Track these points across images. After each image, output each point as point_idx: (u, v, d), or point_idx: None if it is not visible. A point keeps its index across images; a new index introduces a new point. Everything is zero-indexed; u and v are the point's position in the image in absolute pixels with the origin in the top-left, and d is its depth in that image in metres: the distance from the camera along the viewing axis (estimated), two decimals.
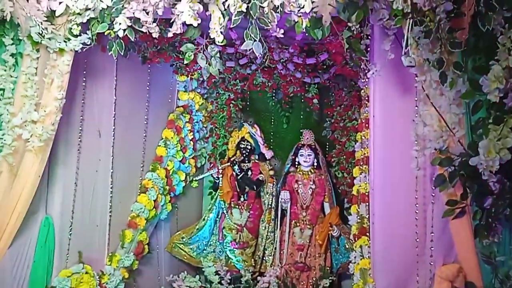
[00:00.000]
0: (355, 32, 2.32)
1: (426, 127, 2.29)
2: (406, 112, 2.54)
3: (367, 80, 2.94)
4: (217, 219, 4.19)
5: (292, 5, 2.27)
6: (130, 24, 2.42)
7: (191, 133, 4.13)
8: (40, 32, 2.55)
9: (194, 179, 4.20)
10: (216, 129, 4.29)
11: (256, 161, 4.17)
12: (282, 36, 2.37)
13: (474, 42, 2.14)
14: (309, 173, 4.04)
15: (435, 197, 2.50)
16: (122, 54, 2.59)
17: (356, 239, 3.26)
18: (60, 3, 2.53)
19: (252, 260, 4.10)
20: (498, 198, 2.16)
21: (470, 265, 2.42)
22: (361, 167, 3.32)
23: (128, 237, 3.50)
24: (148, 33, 2.47)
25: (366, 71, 2.69)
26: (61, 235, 3.03)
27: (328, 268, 3.92)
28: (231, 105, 4.17)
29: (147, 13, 2.37)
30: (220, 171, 4.11)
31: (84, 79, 3.08)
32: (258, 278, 3.86)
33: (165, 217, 3.94)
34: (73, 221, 3.11)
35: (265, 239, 4.13)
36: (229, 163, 4.14)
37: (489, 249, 2.30)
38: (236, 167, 4.13)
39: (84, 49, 2.66)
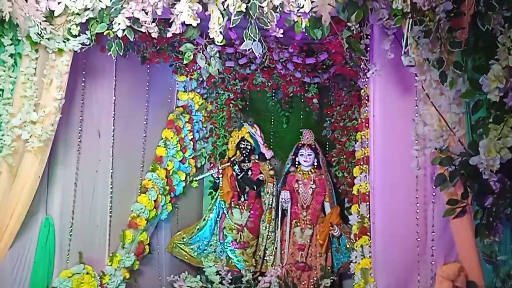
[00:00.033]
0: (354, 32, 2.32)
1: (426, 127, 2.29)
2: (406, 112, 2.54)
3: (367, 79, 2.94)
4: (217, 219, 4.19)
5: (291, 5, 2.26)
6: (129, 24, 2.41)
7: (191, 133, 4.13)
8: (39, 33, 2.55)
9: (194, 179, 4.19)
10: (216, 129, 4.29)
11: (256, 161, 4.17)
12: (281, 36, 2.36)
13: (474, 41, 2.14)
14: (310, 172, 4.04)
15: (436, 196, 2.50)
16: (121, 54, 2.59)
17: (357, 238, 3.26)
18: (59, 3, 2.53)
19: (253, 260, 4.09)
20: (498, 197, 2.16)
21: (471, 264, 2.42)
22: (361, 167, 3.32)
23: (129, 237, 3.50)
24: (147, 33, 2.47)
25: (366, 71, 2.68)
26: (62, 236, 3.03)
27: (329, 267, 3.92)
28: (230, 105, 4.17)
29: (146, 13, 2.36)
30: (220, 171, 4.11)
31: (83, 79, 3.08)
32: (259, 278, 3.86)
33: (166, 217, 3.94)
34: (74, 221, 3.11)
35: (265, 239, 4.13)
36: (229, 163, 4.14)
37: (490, 248, 2.30)
38: (236, 167, 4.13)
39: (83, 49, 2.65)
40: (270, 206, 4.14)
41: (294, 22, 2.31)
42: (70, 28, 2.58)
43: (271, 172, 4.16)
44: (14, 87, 2.67)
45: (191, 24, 2.30)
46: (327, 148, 4.16)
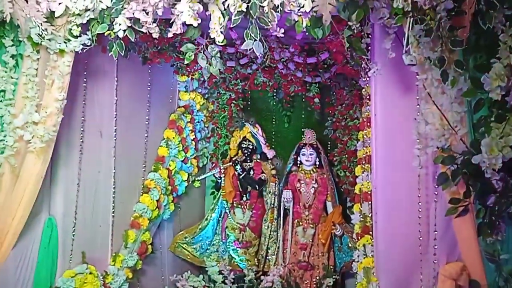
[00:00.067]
0: (355, 31, 2.31)
1: (428, 126, 2.28)
2: (407, 111, 2.53)
3: (368, 79, 2.93)
4: (220, 218, 4.19)
5: (292, 4, 2.26)
6: (130, 24, 2.42)
7: (193, 133, 4.13)
8: (40, 33, 2.56)
9: (196, 179, 4.19)
10: (217, 129, 4.29)
11: (258, 160, 4.17)
12: (282, 35, 2.36)
13: (475, 40, 2.13)
14: (311, 172, 4.04)
15: (438, 195, 2.50)
16: (122, 54, 2.59)
17: (359, 238, 3.25)
18: (59, 4, 2.53)
19: (255, 259, 4.10)
20: (501, 196, 2.15)
21: (474, 263, 2.41)
22: (363, 166, 3.31)
23: (131, 237, 3.51)
24: (148, 34, 2.47)
25: (367, 70, 2.68)
26: (65, 236, 3.04)
27: (331, 267, 3.92)
28: (232, 104, 4.17)
29: (147, 14, 2.36)
30: (222, 171, 4.11)
31: (84, 80, 3.09)
32: (262, 277, 3.87)
33: (168, 217, 3.94)
34: (76, 221, 3.11)
35: (268, 238, 4.13)
36: (231, 163, 4.14)
37: (493, 247, 2.29)
38: (238, 166, 4.13)
39: (85, 50, 2.66)
40: (272, 205, 4.14)
41: (295, 21, 2.31)
42: (71, 29, 2.58)
43: (273, 172, 4.16)
44: (16, 88, 2.68)
45: (191, 24, 2.30)
46: (328, 148, 4.16)
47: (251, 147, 4.14)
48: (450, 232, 2.46)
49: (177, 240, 4.10)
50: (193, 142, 4.14)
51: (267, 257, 4.14)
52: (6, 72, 2.67)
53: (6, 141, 2.64)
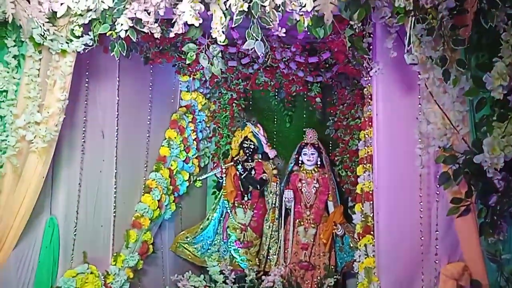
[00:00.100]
0: (357, 31, 2.31)
1: (429, 125, 2.28)
2: (409, 110, 2.53)
3: (369, 78, 2.93)
4: (221, 218, 4.19)
5: (293, 4, 2.26)
6: (131, 24, 2.42)
7: (194, 133, 4.13)
8: (42, 34, 2.56)
9: (197, 178, 4.20)
10: (219, 128, 4.29)
11: (260, 160, 4.17)
12: (284, 35, 2.36)
13: (477, 39, 2.13)
14: (313, 172, 4.04)
15: (440, 195, 2.49)
16: (124, 54, 2.60)
17: (361, 237, 3.25)
18: (61, 4, 2.53)
19: (257, 259, 4.10)
20: (503, 195, 2.15)
21: (476, 263, 2.40)
22: (364, 166, 3.31)
23: (133, 237, 3.51)
24: (150, 34, 2.47)
25: (369, 70, 2.67)
26: (66, 236, 3.04)
27: (332, 267, 3.92)
28: (233, 104, 4.18)
29: (149, 14, 2.36)
30: (224, 170, 4.11)
31: (86, 80, 3.09)
32: (263, 277, 3.87)
33: (169, 217, 3.94)
34: (78, 221, 3.11)
35: (269, 238, 4.13)
36: (232, 163, 4.14)
37: (495, 247, 2.28)
38: (239, 166, 4.13)
39: (86, 50, 2.66)
40: (273, 205, 4.14)
41: (297, 21, 2.30)
42: (73, 29, 2.58)
43: (275, 172, 4.16)
44: (18, 88, 2.68)
45: (193, 24, 2.30)
46: (330, 147, 4.16)
47: (252, 146, 4.14)
48: (452, 232, 2.45)
49: (178, 240, 4.10)
50: (194, 142, 4.14)
51: (268, 257, 4.14)
52: (8, 72, 2.67)
53: (8, 141, 2.65)
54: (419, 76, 2.30)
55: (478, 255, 2.37)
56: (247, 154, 4.15)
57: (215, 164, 4.27)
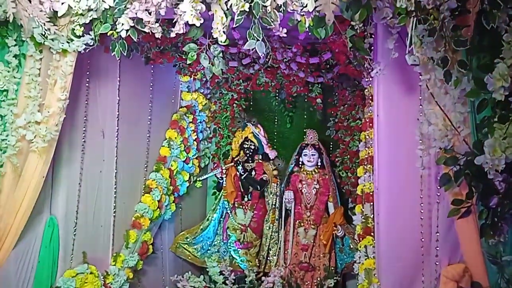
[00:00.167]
0: (358, 31, 2.30)
1: (430, 126, 2.28)
2: (410, 111, 2.52)
3: (370, 79, 2.93)
4: (221, 219, 4.19)
5: (295, 4, 2.26)
6: (132, 24, 2.42)
7: (195, 133, 4.13)
8: (43, 33, 2.55)
9: (198, 179, 4.20)
10: (219, 129, 4.29)
11: (260, 161, 4.17)
12: (285, 35, 2.36)
13: (479, 40, 2.12)
14: (313, 172, 4.04)
15: (440, 196, 2.49)
16: (125, 54, 2.60)
17: (361, 239, 3.25)
18: (62, 4, 2.53)
19: (257, 260, 4.09)
20: (504, 197, 2.14)
21: (476, 265, 2.40)
22: (365, 167, 3.31)
23: (132, 237, 3.51)
24: (150, 34, 2.47)
25: (370, 70, 2.67)
26: (66, 236, 3.04)
27: (332, 268, 3.92)
28: (234, 105, 4.18)
29: (150, 14, 2.36)
30: (224, 171, 4.11)
31: (87, 79, 3.09)
32: (263, 278, 3.87)
33: (169, 217, 3.94)
34: (78, 221, 3.11)
35: (269, 239, 4.13)
36: (232, 163, 4.14)
37: (495, 249, 2.28)
38: (239, 167, 4.13)
39: (87, 50, 2.65)
40: (273, 206, 4.14)
41: (298, 21, 2.30)
42: (74, 29, 2.58)
43: (275, 172, 4.16)
44: (19, 88, 2.68)
45: (194, 24, 2.30)
46: (330, 148, 4.15)
47: (253, 147, 4.14)
48: (452, 234, 2.45)
49: (178, 240, 4.10)
50: (195, 142, 4.14)
51: (268, 258, 4.14)
52: (9, 71, 2.67)
53: (9, 141, 2.64)
54: (420, 77, 2.30)
55: (478, 257, 2.37)
56: (248, 155, 4.15)
57: (215, 165, 4.27)
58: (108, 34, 2.53)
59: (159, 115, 3.85)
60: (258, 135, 4.17)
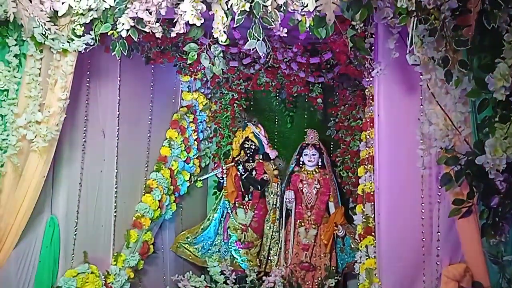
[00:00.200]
0: (359, 31, 2.30)
1: (431, 126, 2.27)
2: (411, 111, 2.52)
3: (371, 79, 2.92)
4: (222, 219, 4.19)
5: (295, 4, 2.26)
6: (133, 24, 2.42)
7: (195, 133, 4.13)
8: (43, 33, 2.55)
9: (198, 179, 4.20)
10: (220, 129, 4.29)
11: (261, 160, 4.17)
12: (285, 35, 2.36)
13: (480, 40, 2.12)
14: (314, 172, 4.03)
15: (441, 196, 2.49)
16: (125, 54, 2.60)
17: (362, 238, 3.25)
18: (63, 3, 2.53)
19: (257, 260, 4.09)
20: (505, 197, 2.14)
21: (477, 264, 2.40)
22: (366, 167, 3.31)
23: (133, 237, 3.51)
24: (151, 33, 2.47)
25: (371, 70, 2.67)
26: (66, 235, 3.04)
27: (333, 268, 3.91)
28: (235, 105, 4.18)
29: (150, 13, 2.36)
30: (225, 171, 4.11)
31: (87, 79, 3.09)
32: (263, 278, 3.87)
33: (170, 217, 3.94)
34: (78, 221, 3.11)
35: (270, 239, 4.13)
36: (233, 163, 4.14)
37: (496, 249, 2.28)
38: (240, 167, 4.13)
39: (88, 50, 2.65)
40: (274, 206, 4.14)
41: (298, 21, 2.30)
42: (74, 29, 2.58)
43: (275, 172, 4.16)
44: (19, 88, 2.68)
45: (195, 24, 2.30)
46: (331, 148, 4.15)
47: (253, 147, 4.14)
48: (453, 233, 2.45)
49: (179, 240, 4.10)
50: (195, 142, 4.14)
51: (269, 258, 4.14)
52: (9, 71, 2.66)
53: (9, 140, 2.64)
54: (421, 76, 2.30)
55: (479, 257, 2.37)
56: (248, 155, 4.15)
57: (216, 165, 4.27)
58: (109, 34, 2.53)
59: (159, 115, 3.85)
60: (258, 135, 4.17)
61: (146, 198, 3.65)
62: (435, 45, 2.15)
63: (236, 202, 4.10)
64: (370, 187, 3.17)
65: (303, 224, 3.98)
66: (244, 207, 4.11)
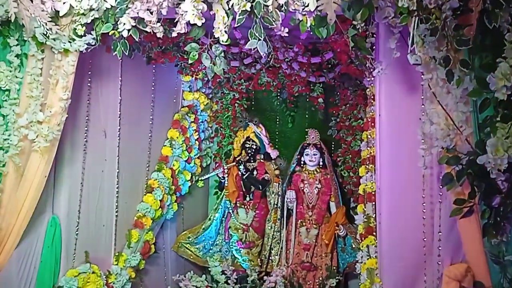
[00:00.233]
0: (360, 31, 2.30)
1: (433, 126, 2.27)
2: (412, 111, 2.52)
3: (372, 78, 2.93)
4: (223, 218, 4.19)
5: (296, 3, 2.26)
6: (134, 24, 2.42)
7: (196, 133, 4.14)
8: (45, 33, 2.56)
9: (199, 178, 4.20)
10: (221, 128, 4.30)
11: (262, 160, 4.17)
12: (286, 35, 2.35)
13: (481, 39, 2.12)
14: (315, 172, 4.03)
15: (443, 196, 2.49)
16: (126, 54, 2.60)
17: (363, 238, 3.25)
18: (64, 3, 2.54)
19: (258, 259, 4.09)
20: (506, 197, 2.14)
21: (479, 264, 2.40)
22: (367, 166, 3.31)
23: (135, 237, 3.51)
24: (152, 33, 2.47)
25: (372, 70, 2.67)
26: (68, 235, 3.04)
27: (334, 267, 3.91)
28: (236, 104, 4.18)
29: (151, 13, 2.37)
30: (226, 170, 4.11)
31: (89, 79, 3.09)
32: (265, 277, 3.87)
33: (171, 217, 3.95)
34: (80, 221, 3.12)
35: (271, 238, 4.13)
36: (234, 163, 4.14)
37: (498, 249, 2.27)
38: (241, 166, 4.13)
39: (89, 50, 2.66)
40: (275, 205, 4.14)
41: (299, 21, 2.30)
42: (75, 28, 2.58)
43: (277, 172, 4.16)
44: (21, 87, 2.68)
45: (196, 24, 2.30)
46: (332, 148, 4.15)
47: (254, 147, 4.14)
48: (455, 233, 2.45)
49: (180, 240, 4.10)
50: (196, 142, 4.14)
51: (270, 258, 4.14)
52: (10, 71, 2.67)
53: (11, 140, 2.65)
54: (422, 76, 2.30)
55: (481, 256, 2.36)
56: (249, 154, 4.15)
57: (217, 164, 4.27)
58: (110, 34, 2.53)
59: (160, 115, 3.86)
60: (259, 135, 4.17)
61: (147, 198, 3.66)
62: (436, 44, 2.14)
63: (237, 202, 4.10)
64: (371, 187, 3.17)
65: (304, 224, 3.98)
66: (245, 207, 4.11)
